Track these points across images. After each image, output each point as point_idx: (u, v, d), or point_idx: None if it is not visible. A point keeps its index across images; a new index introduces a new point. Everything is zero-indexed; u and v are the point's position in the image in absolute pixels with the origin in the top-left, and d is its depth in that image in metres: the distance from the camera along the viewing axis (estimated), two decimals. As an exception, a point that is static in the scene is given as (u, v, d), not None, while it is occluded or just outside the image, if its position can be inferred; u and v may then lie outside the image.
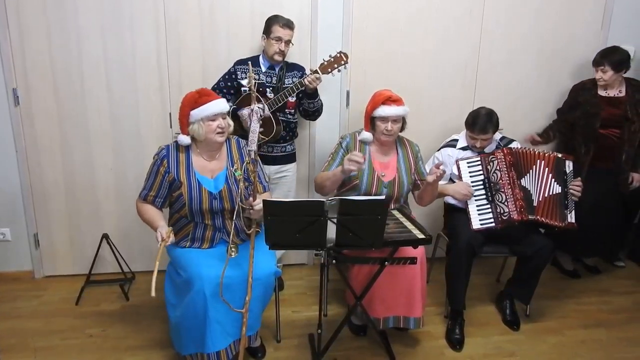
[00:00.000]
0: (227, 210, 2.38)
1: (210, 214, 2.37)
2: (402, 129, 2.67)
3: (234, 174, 2.39)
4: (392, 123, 2.57)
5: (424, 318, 2.53)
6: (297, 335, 2.69)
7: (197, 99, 2.29)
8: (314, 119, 3.00)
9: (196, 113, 2.27)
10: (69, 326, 2.75)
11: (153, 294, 1.98)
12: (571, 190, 2.69)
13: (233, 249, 2.26)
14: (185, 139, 2.33)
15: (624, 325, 2.86)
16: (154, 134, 3.09)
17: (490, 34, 3.25)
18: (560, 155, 2.71)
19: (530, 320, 2.87)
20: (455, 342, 2.64)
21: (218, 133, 2.30)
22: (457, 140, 2.91)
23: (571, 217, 2.69)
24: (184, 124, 2.32)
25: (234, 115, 2.76)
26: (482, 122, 2.74)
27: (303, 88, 2.70)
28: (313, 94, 2.76)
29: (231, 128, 2.40)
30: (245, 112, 2.62)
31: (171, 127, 3.09)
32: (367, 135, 2.65)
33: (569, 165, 2.71)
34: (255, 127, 2.44)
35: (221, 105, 2.32)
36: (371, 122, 2.63)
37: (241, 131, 2.74)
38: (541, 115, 3.43)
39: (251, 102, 2.29)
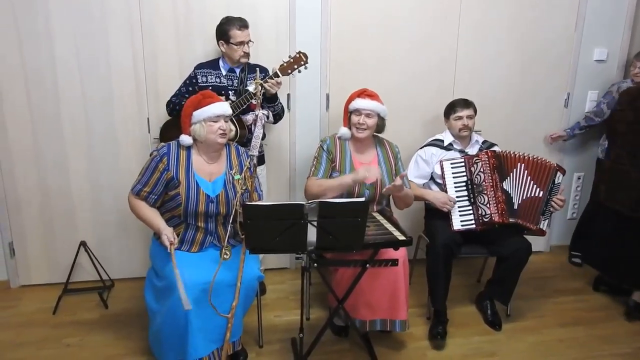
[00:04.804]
0: (222, 215, 2.38)
1: (205, 217, 2.36)
2: (379, 130, 2.72)
3: (232, 177, 2.39)
4: (365, 117, 2.62)
5: (408, 320, 2.54)
6: (279, 340, 2.68)
7: (201, 100, 2.34)
8: (275, 122, 2.95)
9: (198, 114, 2.31)
10: (45, 336, 2.68)
11: (187, 307, 2.08)
12: (554, 202, 2.69)
13: (227, 252, 2.26)
14: (187, 139, 2.35)
15: (600, 323, 2.91)
16: (131, 139, 3.05)
17: (466, 36, 3.29)
18: (556, 165, 2.67)
19: (510, 320, 2.90)
20: (437, 334, 2.65)
21: (219, 135, 2.31)
22: (441, 140, 2.95)
23: (544, 225, 2.70)
24: (187, 124, 2.34)
25: None
26: (462, 100, 2.92)
27: (264, 91, 2.66)
28: (273, 98, 2.74)
29: (232, 133, 2.41)
30: (249, 117, 2.64)
31: (149, 132, 3.06)
32: (344, 130, 2.70)
33: (559, 177, 2.69)
34: (258, 133, 2.46)
35: (223, 107, 2.35)
36: (349, 118, 2.68)
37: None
38: (518, 117, 3.49)
39: (255, 107, 2.38)
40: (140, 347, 2.59)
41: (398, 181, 2.47)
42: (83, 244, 2.98)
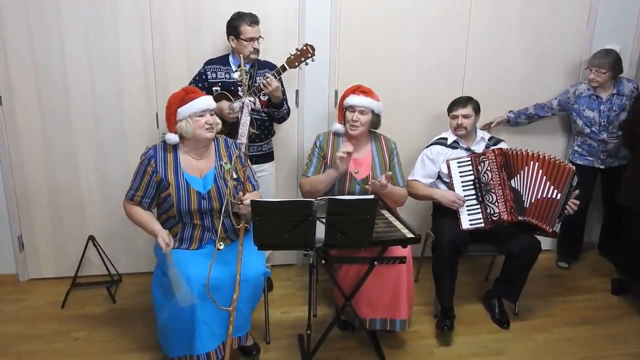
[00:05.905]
0: (216, 210, 2.37)
1: (199, 214, 2.35)
2: (375, 126, 2.70)
3: (222, 167, 2.38)
4: (359, 113, 2.60)
5: (410, 319, 2.53)
6: (286, 336, 2.68)
7: (184, 96, 2.30)
8: (279, 123, 2.96)
9: (184, 110, 2.28)
10: (54, 330, 2.70)
11: (193, 301, 2.12)
12: (569, 206, 2.66)
13: (221, 242, 2.25)
14: (173, 138, 2.31)
15: (609, 322, 2.89)
16: (140, 134, 3.06)
17: (476, 33, 3.26)
18: (574, 168, 2.64)
19: (518, 318, 2.89)
20: (443, 325, 2.64)
21: (207, 129, 2.30)
22: (444, 138, 2.93)
23: (556, 227, 2.68)
24: (172, 122, 2.31)
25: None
26: (462, 98, 2.90)
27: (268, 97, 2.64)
28: (279, 103, 2.72)
29: (219, 126, 2.39)
30: (236, 105, 2.61)
31: (158, 127, 3.06)
32: (339, 126, 2.70)
33: (575, 180, 2.65)
34: (245, 120, 2.43)
35: (208, 101, 2.33)
36: (344, 114, 2.67)
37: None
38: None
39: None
40: (147, 341, 2.60)
41: (383, 180, 2.43)
42: (91, 238, 2.99)
